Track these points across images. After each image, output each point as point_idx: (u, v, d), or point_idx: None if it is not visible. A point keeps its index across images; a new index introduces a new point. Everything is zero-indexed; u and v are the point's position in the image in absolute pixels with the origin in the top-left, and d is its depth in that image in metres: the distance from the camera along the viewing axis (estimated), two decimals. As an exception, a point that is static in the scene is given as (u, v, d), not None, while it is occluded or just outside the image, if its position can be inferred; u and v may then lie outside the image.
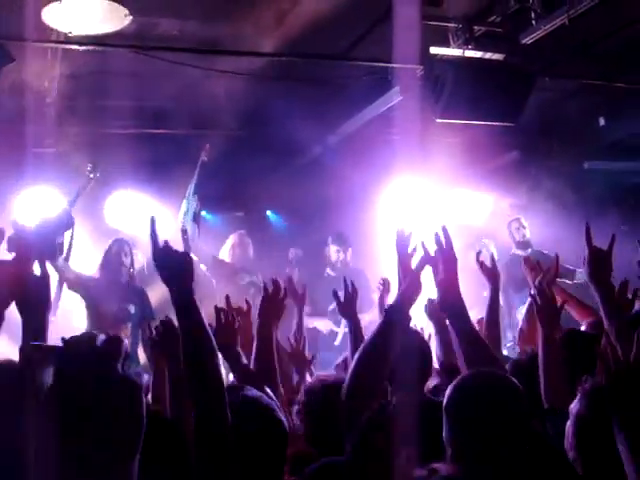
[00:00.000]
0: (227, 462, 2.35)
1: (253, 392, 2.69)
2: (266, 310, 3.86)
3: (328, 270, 8.33)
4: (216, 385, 2.39)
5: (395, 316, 2.75)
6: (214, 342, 2.47)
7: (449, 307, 3.05)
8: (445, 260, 3.07)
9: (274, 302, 3.97)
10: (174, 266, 2.54)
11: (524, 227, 8.42)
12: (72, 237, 6.15)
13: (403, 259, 2.99)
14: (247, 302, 4.39)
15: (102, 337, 1.56)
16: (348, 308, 4.34)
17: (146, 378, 3.24)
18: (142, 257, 8.11)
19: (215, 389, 2.38)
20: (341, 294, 4.35)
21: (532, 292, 3.75)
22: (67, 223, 5.58)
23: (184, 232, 7.72)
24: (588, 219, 9.31)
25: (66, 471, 1.50)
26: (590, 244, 3.34)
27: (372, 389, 2.76)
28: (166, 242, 2.59)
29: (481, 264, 4.58)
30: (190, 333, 2.45)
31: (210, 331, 2.49)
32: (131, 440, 1.57)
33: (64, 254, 6.16)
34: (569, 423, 2.55)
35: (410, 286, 2.90)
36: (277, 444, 2.61)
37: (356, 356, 2.81)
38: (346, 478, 2.51)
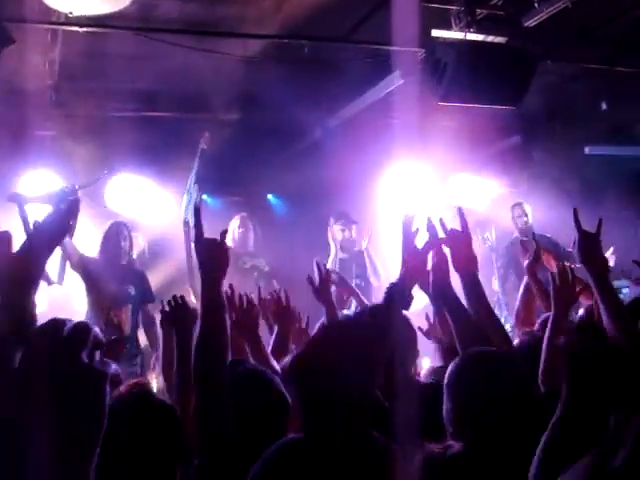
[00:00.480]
0: (229, 446, 2.37)
1: (256, 366, 2.76)
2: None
3: (334, 253, 8.06)
4: (221, 376, 2.44)
5: (397, 295, 2.76)
6: (228, 337, 2.55)
7: (441, 290, 3.17)
8: (460, 242, 3.19)
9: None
10: (213, 256, 2.75)
11: (526, 215, 8.38)
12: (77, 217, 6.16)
13: (408, 240, 3.01)
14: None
15: (69, 325, 1.52)
16: (323, 293, 4.37)
17: (114, 367, 3.27)
18: (142, 240, 8.12)
19: (220, 377, 2.43)
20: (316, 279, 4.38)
21: (552, 272, 3.79)
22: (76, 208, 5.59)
23: (186, 224, 7.75)
24: (589, 204, 9.36)
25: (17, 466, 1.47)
26: (579, 228, 3.35)
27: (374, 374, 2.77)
28: (216, 239, 2.82)
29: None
30: (210, 324, 2.55)
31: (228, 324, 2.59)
32: (89, 435, 1.53)
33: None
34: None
35: (414, 266, 2.92)
36: (278, 415, 2.69)
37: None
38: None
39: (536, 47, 6.89)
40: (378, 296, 5.76)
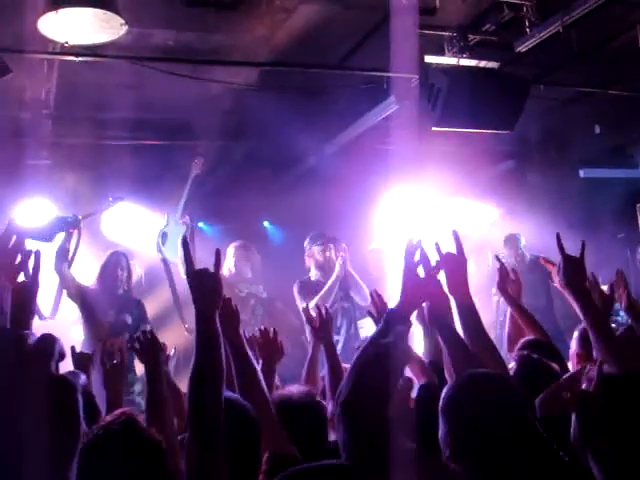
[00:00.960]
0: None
1: (231, 394, 2.77)
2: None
3: (314, 276, 7.57)
4: (218, 410, 2.44)
5: (395, 321, 2.75)
6: (224, 371, 2.54)
7: (439, 316, 3.15)
8: (455, 266, 3.18)
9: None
10: (206, 289, 2.67)
11: (520, 248, 8.35)
12: (77, 245, 6.17)
13: (409, 266, 3.00)
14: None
15: (34, 336, 1.52)
16: (323, 332, 4.38)
17: (83, 378, 3.26)
18: (139, 269, 8.11)
19: (217, 411, 2.43)
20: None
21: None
22: (72, 223, 5.64)
23: (164, 262, 7.74)
24: (585, 227, 9.37)
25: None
26: (563, 252, 3.36)
27: (372, 395, 2.76)
28: (207, 269, 2.73)
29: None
30: (205, 359, 2.51)
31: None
32: (65, 441, 1.52)
33: (68, 260, 6.20)
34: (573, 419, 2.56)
35: (414, 293, 2.91)
36: (252, 443, 2.68)
37: (354, 361, 2.81)
38: None
39: (529, 72, 6.95)
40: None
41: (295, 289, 7.21)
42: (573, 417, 2.43)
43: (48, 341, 1.51)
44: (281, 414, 3.27)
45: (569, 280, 3.28)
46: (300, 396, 3.47)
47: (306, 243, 7.62)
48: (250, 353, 3.41)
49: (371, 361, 2.60)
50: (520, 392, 2.58)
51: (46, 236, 5.00)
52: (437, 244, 3.25)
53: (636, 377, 2.67)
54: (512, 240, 8.42)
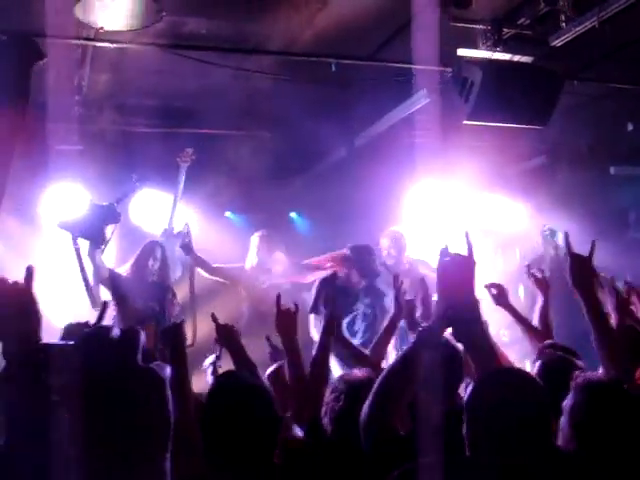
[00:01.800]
0: None
1: (251, 378, 2.82)
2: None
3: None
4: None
5: (427, 339, 2.72)
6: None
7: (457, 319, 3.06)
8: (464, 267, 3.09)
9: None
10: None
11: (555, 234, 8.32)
12: (112, 233, 6.24)
13: (444, 276, 2.95)
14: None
15: (117, 331, 1.54)
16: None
17: (168, 371, 3.30)
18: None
19: None
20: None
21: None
22: (113, 216, 5.75)
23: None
24: (614, 225, 9.29)
25: (95, 462, 1.48)
26: (571, 251, 3.34)
27: (394, 410, 2.77)
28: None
29: (534, 277, 4.86)
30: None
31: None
32: (158, 431, 1.54)
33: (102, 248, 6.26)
34: (563, 418, 2.56)
35: (446, 307, 2.85)
36: (270, 428, 2.74)
37: (383, 375, 2.79)
38: None
39: (562, 67, 6.88)
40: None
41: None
42: None
43: (132, 334, 1.53)
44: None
45: (576, 279, 3.29)
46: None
47: None
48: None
49: (396, 381, 2.62)
50: (543, 391, 2.54)
51: (97, 239, 5.11)
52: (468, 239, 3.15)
53: (620, 385, 2.67)
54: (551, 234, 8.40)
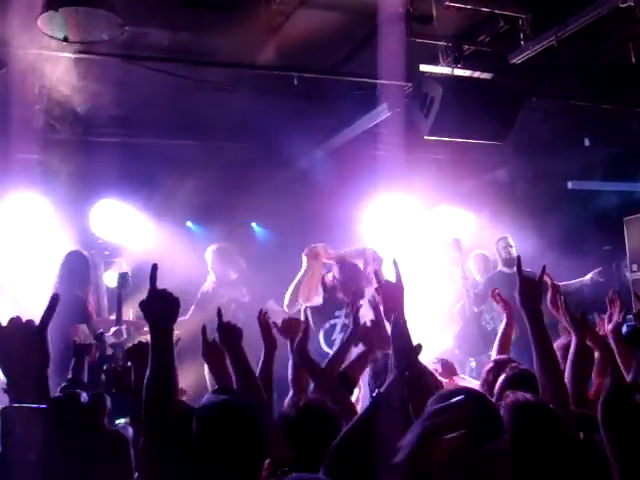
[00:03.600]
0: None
1: (241, 399, 2.76)
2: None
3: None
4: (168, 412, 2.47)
5: (384, 404, 2.70)
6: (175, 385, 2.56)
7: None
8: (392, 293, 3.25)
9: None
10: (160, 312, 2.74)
11: (511, 246, 8.41)
12: None
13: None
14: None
15: (84, 395, 1.56)
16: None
17: (130, 430, 3.29)
18: (126, 266, 8.08)
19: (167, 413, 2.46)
20: None
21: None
22: None
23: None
24: (571, 239, 9.40)
25: None
26: (520, 274, 3.42)
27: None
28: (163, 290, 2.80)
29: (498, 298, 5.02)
30: (157, 370, 2.54)
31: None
32: None
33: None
34: None
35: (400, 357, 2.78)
36: (257, 450, 2.64)
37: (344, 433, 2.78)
38: None
39: (522, 83, 6.99)
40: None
41: None
42: None
43: (99, 398, 1.56)
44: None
45: (524, 300, 3.35)
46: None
47: None
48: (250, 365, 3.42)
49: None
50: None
51: None
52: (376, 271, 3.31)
53: (544, 405, 2.73)
54: (504, 240, 8.47)
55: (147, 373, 2.58)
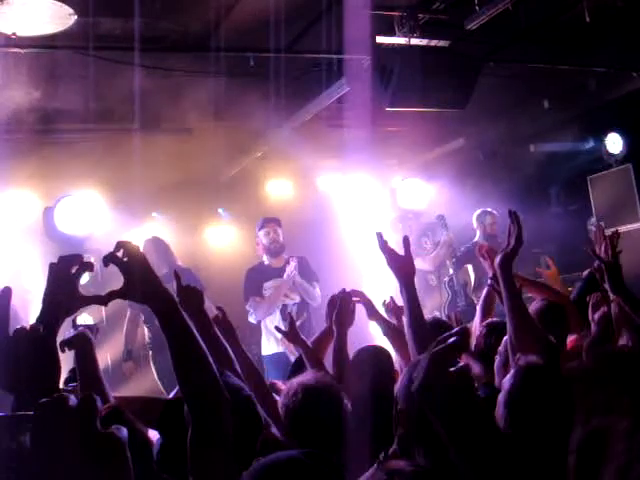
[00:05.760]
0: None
1: (235, 380, 2.68)
2: None
3: (265, 260, 7.76)
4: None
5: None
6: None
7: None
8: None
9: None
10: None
11: (495, 222, 8.42)
12: None
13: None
14: None
15: (73, 398, 1.53)
16: (295, 337, 4.37)
17: (125, 432, 3.18)
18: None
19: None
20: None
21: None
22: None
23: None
24: (536, 200, 9.45)
25: None
26: (387, 250, 3.60)
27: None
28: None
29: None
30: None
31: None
32: None
33: None
34: (501, 396, 2.63)
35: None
36: (252, 435, 2.62)
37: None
38: None
39: (479, 49, 6.99)
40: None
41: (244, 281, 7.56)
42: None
43: (90, 399, 1.53)
44: None
45: (395, 271, 3.56)
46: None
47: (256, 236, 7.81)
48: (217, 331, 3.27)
49: None
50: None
51: None
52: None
53: (556, 368, 2.78)
54: (490, 216, 8.49)
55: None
